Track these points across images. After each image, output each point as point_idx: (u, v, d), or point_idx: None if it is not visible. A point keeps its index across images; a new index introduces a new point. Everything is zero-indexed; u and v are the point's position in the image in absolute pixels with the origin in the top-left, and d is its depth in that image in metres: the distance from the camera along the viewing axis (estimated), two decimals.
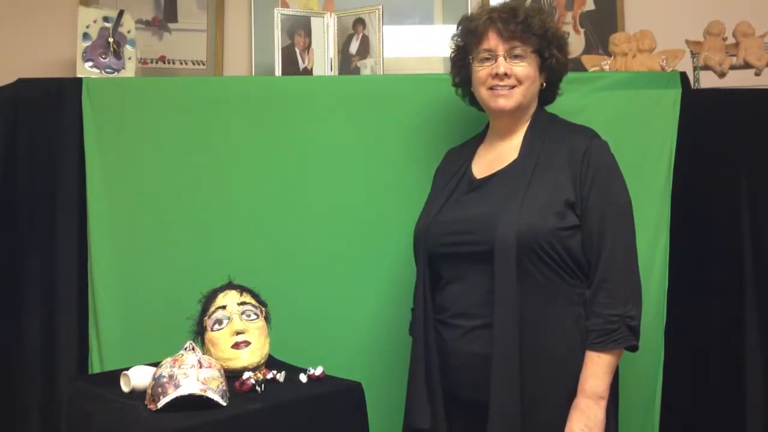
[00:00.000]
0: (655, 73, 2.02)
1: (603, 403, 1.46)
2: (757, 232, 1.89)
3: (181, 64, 2.48)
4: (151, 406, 1.43)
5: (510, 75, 1.61)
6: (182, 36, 2.48)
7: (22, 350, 1.95)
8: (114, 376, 1.64)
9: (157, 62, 2.47)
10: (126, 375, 1.57)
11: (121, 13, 2.14)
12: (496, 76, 1.61)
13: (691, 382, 1.93)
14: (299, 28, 2.23)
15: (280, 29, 2.21)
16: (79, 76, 2.05)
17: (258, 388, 1.55)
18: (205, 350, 1.68)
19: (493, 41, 1.62)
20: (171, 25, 2.48)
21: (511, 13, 1.61)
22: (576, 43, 2.44)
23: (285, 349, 1.82)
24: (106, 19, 2.13)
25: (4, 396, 1.94)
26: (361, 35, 2.21)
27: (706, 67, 2.08)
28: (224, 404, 1.46)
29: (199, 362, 1.46)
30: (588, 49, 2.45)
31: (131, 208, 1.99)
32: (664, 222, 1.93)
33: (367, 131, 2.02)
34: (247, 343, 1.66)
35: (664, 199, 1.94)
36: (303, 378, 1.64)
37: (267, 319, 1.75)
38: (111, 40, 2.11)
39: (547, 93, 1.73)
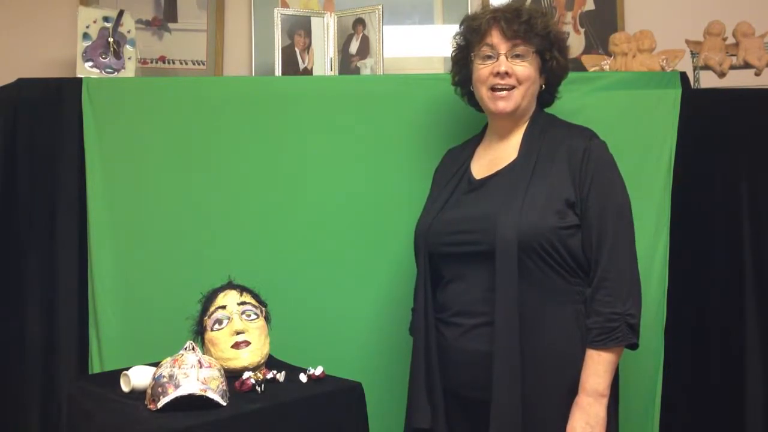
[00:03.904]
0: (655, 73, 2.02)
1: (604, 401, 1.47)
2: (757, 232, 1.89)
3: (181, 64, 2.48)
4: (151, 406, 1.43)
5: (511, 74, 1.61)
6: (182, 36, 2.48)
7: (22, 350, 1.94)
8: (114, 376, 1.64)
9: (157, 62, 2.47)
10: (126, 375, 1.57)
11: (121, 13, 2.15)
12: (498, 74, 1.61)
13: (691, 382, 1.93)
14: (299, 28, 2.23)
15: (280, 29, 2.21)
16: (79, 76, 2.05)
17: (258, 388, 1.55)
18: (205, 350, 1.68)
19: (496, 39, 1.63)
20: (171, 25, 2.48)
21: (514, 13, 1.62)
22: (576, 43, 2.44)
23: (285, 349, 1.82)
24: (106, 19, 2.13)
25: (4, 396, 1.94)
26: (361, 35, 2.21)
27: (706, 67, 2.08)
28: (224, 404, 1.46)
29: (199, 362, 1.46)
30: (588, 49, 2.45)
31: (131, 208, 1.99)
32: (664, 222, 1.93)
33: (367, 131, 2.02)
34: (247, 343, 1.66)
35: (664, 199, 1.94)
36: (303, 378, 1.64)
37: (267, 319, 1.75)
38: (111, 40, 2.11)
39: (546, 95, 1.73)
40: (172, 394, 1.41)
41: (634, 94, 1.97)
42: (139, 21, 2.37)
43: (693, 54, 2.10)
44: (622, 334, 1.47)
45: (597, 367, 1.47)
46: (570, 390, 1.49)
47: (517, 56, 1.62)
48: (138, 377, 1.56)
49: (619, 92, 1.97)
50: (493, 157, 1.68)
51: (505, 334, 1.47)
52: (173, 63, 2.48)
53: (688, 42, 2.10)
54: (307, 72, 2.23)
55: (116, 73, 2.11)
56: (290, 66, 2.22)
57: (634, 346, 1.51)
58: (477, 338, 1.53)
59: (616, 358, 1.49)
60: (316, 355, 1.80)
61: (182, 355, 1.47)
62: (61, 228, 1.97)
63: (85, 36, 2.10)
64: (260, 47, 2.43)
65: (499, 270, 1.48)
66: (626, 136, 1.89)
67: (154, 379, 1.46)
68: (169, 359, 1.47)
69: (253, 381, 1.56)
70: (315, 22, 2.24)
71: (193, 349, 1.50)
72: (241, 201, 2.01)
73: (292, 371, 1.68)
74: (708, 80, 2.09)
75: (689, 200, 1.94)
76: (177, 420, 1.38)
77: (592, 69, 2.14)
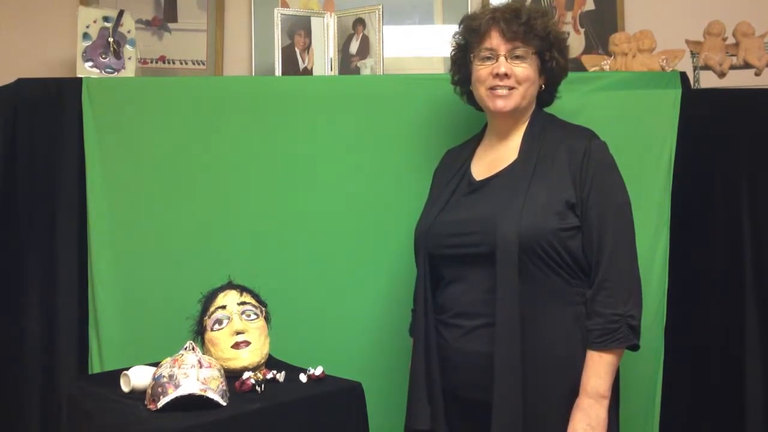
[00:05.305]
0: (655, 73, 2.02)
1: (605, 403, 1.47)
2: (757, 232, 1.89)
3: (181, 64, 2.48)
4: (151, 406, 1.43)
5: (510, 75, 1.61)
6: (182, 36, 2.48)
7: (22, 350, 1.94)
8: (114, 376, 1.64)
9: (157, 62, 2.47)
10: (126, 375, 1.58)
11: (121, 13, 2.15)
12: (497, 75, 1.61)
13: (691, 382, 1.93)
14: (299, 28, 2.23)
15: (280, 29, 2.21)
16: (79, 76, 2.05)
17: (258, 388, 1.55)
18: (205, 350, 1.68)
19: (495, 41, 1.63)
20: (171, 25, 2.48)
21: (514, 13, 1.62)
22: (576, 43, 2.44)
23: (285, 349, 1.82)
24: (106, 19, 2.13)
25: (4, 396, 1.94)
26: (361, 35, 2.21)
27: (706, 67, 2.08)
28: (224, 404, 1.46)
29: (199, 362, 1.46)
30: (588, 49, 2.45)
31: (131, 208, 1.99)
32: (664, 222, 1.93)
33: (367, 131, 2.02)
34: (247, 343, 1.66)
35: (664, 199, 1.93)
36: (303, 378, 1.64)
37: (267, 319, 1.75)
38: (111, 40, 2.11)
39: (546, 95, 1.73)
40: (172, 394, 1.41)
41: (634, 94, 1.97)
42: (139, 21, 2.37)
43: (693, 54, 2.10)
44: (623, 336, 1.47)
45: (598, 369, 1.47)
46: (571, 391, 1.49)
47: (517, 57, 1.62)
48: (138, 377, 1.56)
49: (619, 92, 1.97)
50: (494, 158, 1.68)
51: (505, 335, 1.47)
52: (173, 63, 2.48)
53: (688, 42, 2.10)
54: (307, 72, 2.23)
55: (116, 73, 2.11)
56: (290, 66, 2.22)
57: (635, 348, 1.51)
58: (477, 339, 1.53)
59: (617, 360, 1.49)
60: (316, 355, 1.80)
61: (182, 355, 1.47)
62: (61, 228, 1.97)
63: (85, 36, 2.10)
64: (260, 47, 2.43)
65: (499, 271, 1.48)
66: (626, 136, 1.89)
67: (154, 379, 1.46)
68: (169, 359, 1.47)
69: (253, 381, 1.56)
70: (315, 22, 2.24)
71: (193, 349, 1.50)
72: (241, 201, 2.01)
73: (292, 371, 1.68)
74: (708, 80, 2.09)
75: (689, 200, 1.94)
76: (177, 420, 1.38)
77: (592, 69, 2.14)
